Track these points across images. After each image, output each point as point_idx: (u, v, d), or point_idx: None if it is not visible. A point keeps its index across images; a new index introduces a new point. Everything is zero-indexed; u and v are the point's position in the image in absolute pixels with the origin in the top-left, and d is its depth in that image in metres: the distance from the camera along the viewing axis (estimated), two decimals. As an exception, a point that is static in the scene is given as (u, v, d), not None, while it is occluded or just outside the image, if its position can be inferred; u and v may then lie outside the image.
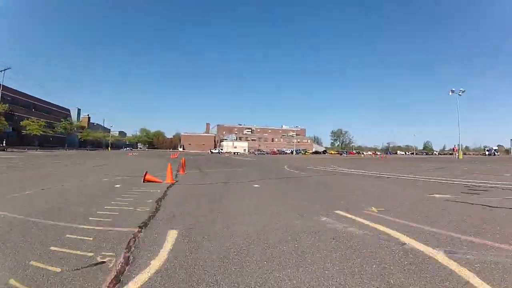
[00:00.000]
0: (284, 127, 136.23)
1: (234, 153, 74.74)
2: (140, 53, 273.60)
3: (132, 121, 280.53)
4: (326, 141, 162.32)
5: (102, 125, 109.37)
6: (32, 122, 58.19)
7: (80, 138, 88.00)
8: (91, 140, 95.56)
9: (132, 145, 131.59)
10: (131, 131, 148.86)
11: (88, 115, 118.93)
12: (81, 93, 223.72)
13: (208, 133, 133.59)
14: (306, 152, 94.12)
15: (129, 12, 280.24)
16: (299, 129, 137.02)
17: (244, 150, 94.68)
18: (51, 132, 65.12)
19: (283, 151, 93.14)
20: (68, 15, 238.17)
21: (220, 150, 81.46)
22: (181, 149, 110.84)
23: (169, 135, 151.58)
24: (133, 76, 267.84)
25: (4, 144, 45.79)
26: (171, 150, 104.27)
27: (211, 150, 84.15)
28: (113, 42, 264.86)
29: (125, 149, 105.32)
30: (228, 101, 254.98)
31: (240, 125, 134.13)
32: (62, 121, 70.70)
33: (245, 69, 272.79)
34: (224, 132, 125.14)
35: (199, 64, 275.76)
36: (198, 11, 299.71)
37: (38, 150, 49.85)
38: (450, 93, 44.38)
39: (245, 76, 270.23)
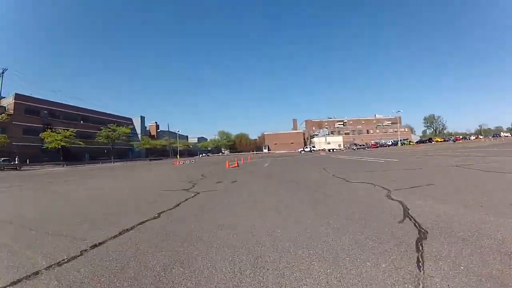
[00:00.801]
0: (378, 116, 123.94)
1: (329, 150, 71.66)
2: (215, 56, 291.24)
3: (214, 127, 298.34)
4: (418, 129, 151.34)
5: (173, 131, 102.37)
6: (54, 133, 52.65)
7: (136, 147, 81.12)
8: (158, 149, 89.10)
9: (211, 150, 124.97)
10: (212, 136, 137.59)
11: (156, 122, 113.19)
12: (160, 104, 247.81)
13: (296, 129, 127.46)
14: (410, 142, 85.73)
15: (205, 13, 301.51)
16: (394, 117, 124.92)
17: (339, 145, 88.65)
18: (81, 143, 57.80)
19: (385, 143, 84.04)
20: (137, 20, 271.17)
21: (312, 148, 77.29)
22: (265, 151, 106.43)
23: (253, 136, 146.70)
24: (210, 81, 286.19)
25: (16, 161, 42.24)
26: (254, 152, 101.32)
27: (303, 149, 79.23)
28: (186, 47, 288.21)
29: (200, 155, 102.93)
30: (312, 94, 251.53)
31: (330, 118, 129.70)
32: (102, 129, 63.57)
33: (326, 58, 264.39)
34: (313, 128, 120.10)
35: (277, 59, 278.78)
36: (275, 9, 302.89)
37: (65, 165, 45.78)
38: None
39: (327, 65, 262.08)
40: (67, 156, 55.84)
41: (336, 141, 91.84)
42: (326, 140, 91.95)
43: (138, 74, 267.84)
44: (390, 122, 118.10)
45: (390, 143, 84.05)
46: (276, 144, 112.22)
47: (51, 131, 52.58)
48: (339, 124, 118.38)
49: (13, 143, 49.38)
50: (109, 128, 63.80)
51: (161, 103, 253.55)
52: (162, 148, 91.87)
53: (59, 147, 51.66)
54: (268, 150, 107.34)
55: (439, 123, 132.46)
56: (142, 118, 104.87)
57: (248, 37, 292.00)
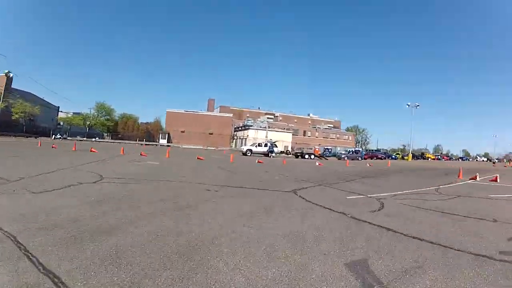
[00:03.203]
0: (312, 116, 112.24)
1: (301, 154, 46.77)
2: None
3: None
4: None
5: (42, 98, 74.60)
6: None
7: None
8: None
9: (83, 132, 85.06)
10: (86, 111, 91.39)
11: (7, 72, 65.74)
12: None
13: (212, 111, 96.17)
14: (403, 156, 70.46)
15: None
16: (334, 121, 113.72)
17: (285, 147, 67.79)
18: None
19: (344, 153, 56.80)
20: None
21: (273, 146, 46.16)
22: (163, 141, 72.48)
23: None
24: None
25: None
26: (143, 143, 65.88)
27: (262, 147, 44.31)
28: None
29: (53, 137, 66.33)
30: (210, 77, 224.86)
31: (253, 109, 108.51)
32: None
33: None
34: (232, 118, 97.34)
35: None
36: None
37: None
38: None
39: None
40: None
41: (282, 140, 70.22)
42: (267, 135, 68.69)
43: None
44: (331, 125, 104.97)
45: (348, 152, 64.47)
46: (183, 132, 77.70)
47: None
48: (268, 118, 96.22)
49: None
50: None
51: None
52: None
53: None
54: (169, 141, 74.33)
55: (364, 136, 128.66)
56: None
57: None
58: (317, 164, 28.14)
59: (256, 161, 26.58)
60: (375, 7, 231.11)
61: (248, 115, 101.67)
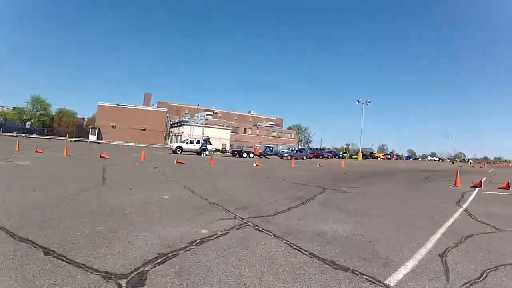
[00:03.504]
0: (253, 113, 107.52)
1: (237, 152, 41.85)
2: None
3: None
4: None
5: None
6: None
7: None
8: None
9: (20, 128, 75.55)
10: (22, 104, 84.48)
11: None
12: None
13: (148, 106, 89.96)
14: (352, 156, 67.08)
15: None
16: (275, 119, 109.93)
17: (223, 145, 61.98)
18: None
19: (287, 152, 48.18)
20: None
21: (207, 143, 38.66)
22: (93, 137, 67.50)
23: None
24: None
25: None
26: (71, 139, 58.42)
27: (193, 144, 38.43)
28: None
29: None
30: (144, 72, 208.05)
31: (193, 105, 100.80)
32: None
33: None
34: (168, 114, 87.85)
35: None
36: None
37: None
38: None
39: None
40: None
41: (219, 137, 64.06)
42: (203, 132, 61.94)
43: None
44: (273, 124, 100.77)
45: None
46: (114, 127, 72.58)
47: None
48: (207, 114, 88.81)
49: None
50: None
51: None
52: None
53: None
54: (98, 138, 68.64)
55: (306, 135, 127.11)
56: None
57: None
58: (254, 165, 21.77)
59: (175, 161, 19.62)
60: (315, 4, 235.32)
61: (186, 111, 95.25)
